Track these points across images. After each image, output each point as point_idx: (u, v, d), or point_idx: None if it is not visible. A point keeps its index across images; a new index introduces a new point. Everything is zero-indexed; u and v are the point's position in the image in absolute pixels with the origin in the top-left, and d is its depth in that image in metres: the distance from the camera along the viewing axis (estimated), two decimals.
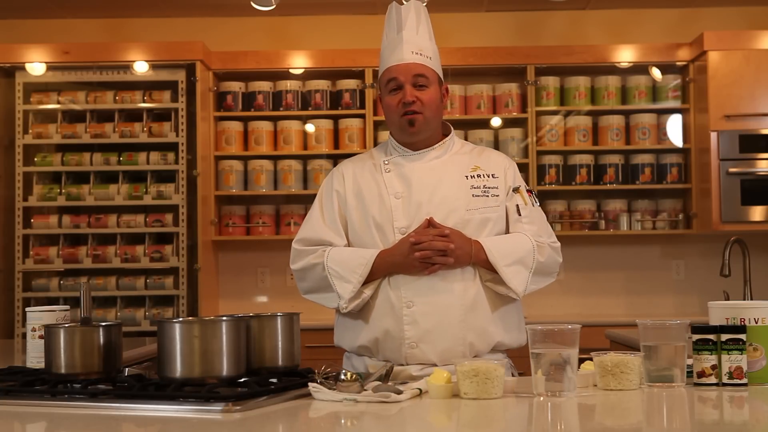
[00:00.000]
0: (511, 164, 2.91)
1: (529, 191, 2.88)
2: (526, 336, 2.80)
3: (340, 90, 5.92)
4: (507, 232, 2.83)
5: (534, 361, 2.21)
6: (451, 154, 2.88)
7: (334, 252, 2.80)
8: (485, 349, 2.74)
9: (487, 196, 2.81)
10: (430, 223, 2.72)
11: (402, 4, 2.91)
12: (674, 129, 5.87)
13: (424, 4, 2.96)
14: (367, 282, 2.75)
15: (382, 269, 2.73)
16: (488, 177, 2.84)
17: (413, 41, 2.82)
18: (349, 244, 2.85)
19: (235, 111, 5.93)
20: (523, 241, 2.79)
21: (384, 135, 5.87)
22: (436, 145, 2.87)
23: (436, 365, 2.64)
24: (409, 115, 2.78)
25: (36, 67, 5.74)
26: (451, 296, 2.71)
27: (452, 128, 2.96)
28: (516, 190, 2.86)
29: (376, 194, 2.82)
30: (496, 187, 2.83)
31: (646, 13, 6.12)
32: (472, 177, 2.83)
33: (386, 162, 2.87)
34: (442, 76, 2.88)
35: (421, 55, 2.82)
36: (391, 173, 2.84)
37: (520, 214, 2.82)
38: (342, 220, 2.86)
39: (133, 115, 5.81)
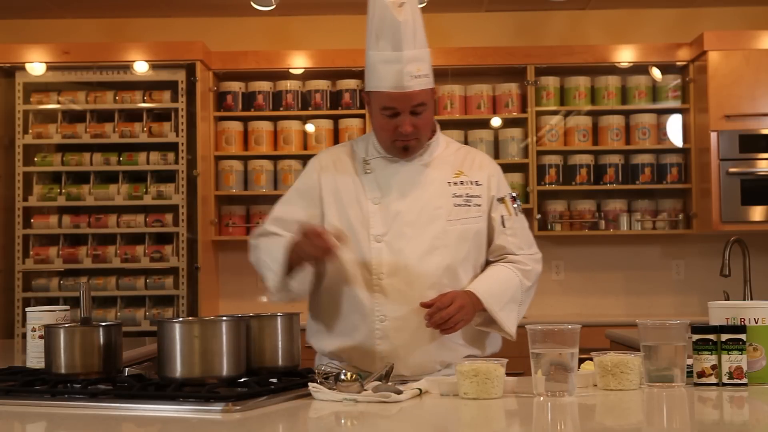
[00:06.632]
0: (496, 171, 2.81)
1: (513, 198, 2.79)
2: (500, 342, 2.81)
3: (340, 90, 5.92)
4: (488, 242, 2.76)
5: (534, 361, 2.21)
6: (435, 156, 2.75)
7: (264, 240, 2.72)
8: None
9: (469, 205, 2.71)
10: (422, 306, 2.58)
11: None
12: (674, 129, 5.87)
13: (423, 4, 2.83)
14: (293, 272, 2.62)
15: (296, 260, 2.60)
16: (471, 184, 2.74)
17: (412, 59, 2.59)
18: None
19: (235, 111, 5.93)
20: (510, 277, 2.72)
21: None
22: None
23: (405, 378, 2.51)
24: (404, 141, 2.65)
25: (36, 67, 5.74)
26: (422, 313, 2.60)
27: (438, 126, 2.81)
28: (501, 200, 2.76)
29: (354, 197, 2.71)
30: (479, 196, 2.73)
31: (646, 13, 6.12)
32: (455, 184, 2.72)
33: (367, 162, 2.74)
34: (433, 77, 2.68)
35: (419, 77, 2.59)
36: (370, 175, 2.72)
37: (504, 226, 2.75)
38: (297, 216, 2.70)
39: (133, 115, 5.81)
